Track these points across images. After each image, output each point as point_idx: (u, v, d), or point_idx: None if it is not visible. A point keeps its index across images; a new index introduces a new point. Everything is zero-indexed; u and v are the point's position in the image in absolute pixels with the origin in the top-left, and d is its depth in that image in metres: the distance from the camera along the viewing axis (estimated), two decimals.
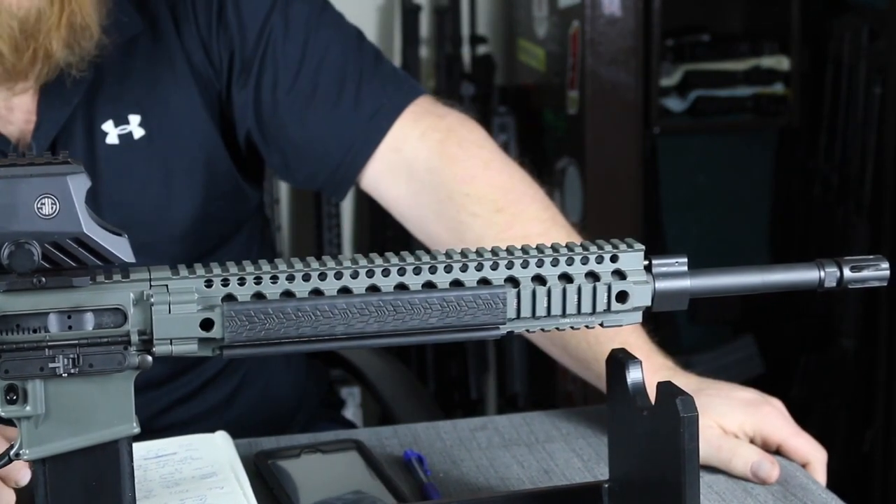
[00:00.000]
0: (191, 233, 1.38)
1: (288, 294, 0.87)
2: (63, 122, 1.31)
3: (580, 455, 1.22)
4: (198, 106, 1.36)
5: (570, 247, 0.92)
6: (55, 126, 1.31)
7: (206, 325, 0.86)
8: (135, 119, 1.34)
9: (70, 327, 0.85)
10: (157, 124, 1.34)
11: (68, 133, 1.32)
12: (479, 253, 0.91)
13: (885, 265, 0.96)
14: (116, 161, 1.33)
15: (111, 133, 1.33)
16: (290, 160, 1.38)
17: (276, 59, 1.35)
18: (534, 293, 0.91)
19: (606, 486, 1.06)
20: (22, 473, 1.00)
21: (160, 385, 1.41)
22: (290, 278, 0.87)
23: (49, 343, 0.84)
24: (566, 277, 0.92)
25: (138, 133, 1.34)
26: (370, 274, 0.88)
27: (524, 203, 1.32)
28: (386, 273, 0.89)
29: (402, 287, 0.89)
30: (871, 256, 0.97)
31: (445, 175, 1.32)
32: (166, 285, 0.86)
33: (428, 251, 0.91)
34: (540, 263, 0.91)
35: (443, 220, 1.33)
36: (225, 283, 0.87)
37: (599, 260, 0.92)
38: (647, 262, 0.93)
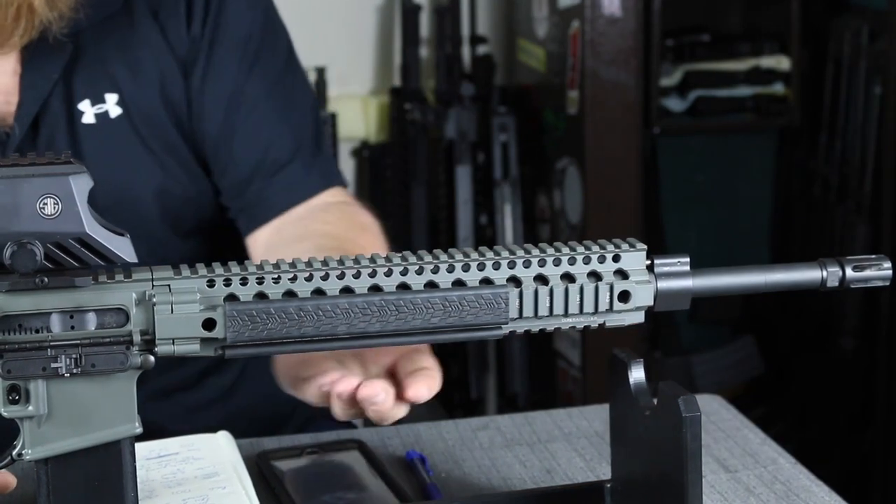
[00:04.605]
0: (172, 212, 1.38)
1: (290, 294, 0.87)
2: (44, 99, 1.31)
3: (582, 454, 1.22)
4: (177, 84, 1.35)
5: (572, 246, 0.92)
6: (36, 104, 1.30)
7: (209, 324, 0.86)
8: (111, 98, 1.34)
9: (72, 327, 0.85)
10: (135, 103, 1.34)
11: (50, 113, 1.32)
12: (480, 253, 0.91)
13: (888, 265, 0.96)
14: (93, 141, 1.33)
15: (87, 112, 1.33)
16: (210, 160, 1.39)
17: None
18: (536, 293, 0.91)
19: (609, 485, 1.06)
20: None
21: (160, 372, 1.41)
22: (293, 278, 0.87)
23: (51, 343, 0.84)
24: (568, 277, 0.92)
25: (115, 112, 1.34)
26: (372, 274, 0.88)
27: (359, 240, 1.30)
28: (388, 273, 0.89)
29: (404, 287, 0.89)
30: (874, 256, 0.96)
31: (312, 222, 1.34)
32: (168, 285, 0.86)
33: (430, 251, 0.91)
34: (542, 263, 0.91)
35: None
36: (227, 282, 0.87)
37: (601, 260, 0.92)
38: (649, 262, 0.93)
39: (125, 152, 1.35)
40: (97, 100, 1.34)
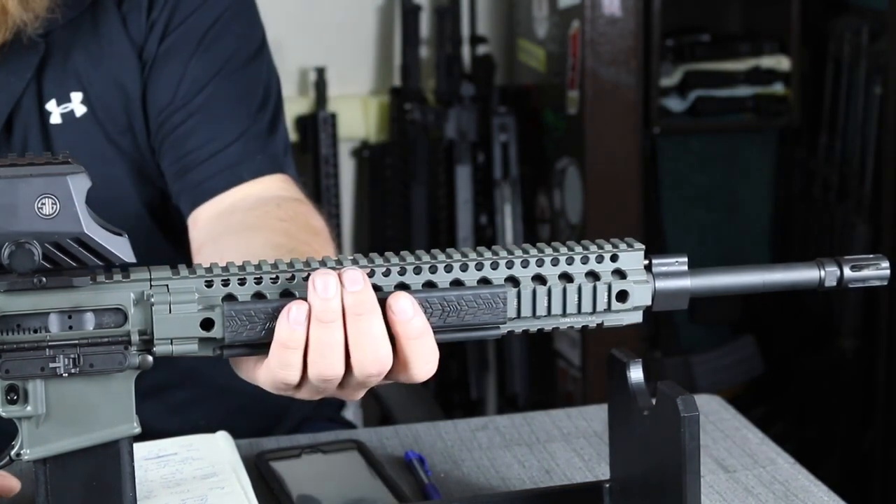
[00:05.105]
0: (154, 211, 1.37)
1: (289, 294, 0.87)
2: (17, 98, 1.30)
3: (581, 454, 1.22)
4: (134, 75, 1.35)
5: (570, 246, 0.92)
6: (9, 104, 1.30)
7: (207, 324, 0.86)
8: (76, 97, 1.32)
9: (71, 327, 0.85)
10: (99, 100, 1.33)
11: (22, 113, 1.31)
12: (479, 252, 0.91)
13: (886, 264, 0.96)
14: (62, 141, 1.32)
15: (54, 112, 1.32)
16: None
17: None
18: (534, 293, 0.91)
19: (607, 485, 1.06)
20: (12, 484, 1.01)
21: (151, 368, 1.40)
22: (291, 278, 0.87)
23: (50, 343, 0.84)
24: (566, 277, 0.92)
25: (80, 111, 1.32)
26: (371, 273, 0.88)
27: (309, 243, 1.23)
28: (387, 273, 0.89)
29: (402, 286, 0.89)
30: (872, 255, 0.96)
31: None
32: (167, 285, 0.86)
33: (428, 251, 0.91)
34: (540, 263, 0.91)
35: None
36: (225, 282, 0.87)
37: (599, 259, 0.92)
38: (647, 262, 0.93)
39: (94, 151, 1.33)
40: (63, 99, 1.32)
